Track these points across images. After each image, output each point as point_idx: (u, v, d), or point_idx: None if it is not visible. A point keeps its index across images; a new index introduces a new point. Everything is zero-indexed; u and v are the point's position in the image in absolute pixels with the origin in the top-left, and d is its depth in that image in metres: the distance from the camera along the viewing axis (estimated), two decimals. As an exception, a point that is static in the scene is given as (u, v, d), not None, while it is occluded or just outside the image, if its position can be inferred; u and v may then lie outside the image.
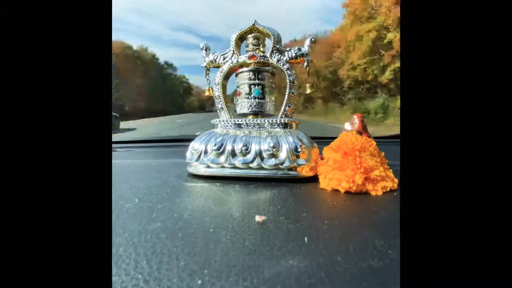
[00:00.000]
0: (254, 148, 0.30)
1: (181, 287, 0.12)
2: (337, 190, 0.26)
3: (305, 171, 0.30)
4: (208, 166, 0.31)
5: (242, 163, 0.30)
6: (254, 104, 0.35)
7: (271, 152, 0.29)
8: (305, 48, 0.34)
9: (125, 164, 0.42)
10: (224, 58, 0.36)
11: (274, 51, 0.34)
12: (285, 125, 0.33)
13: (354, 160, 0.26)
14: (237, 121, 0.34)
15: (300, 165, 0.29)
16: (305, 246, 0.15)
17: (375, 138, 0.32)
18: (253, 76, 0.35)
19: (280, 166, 0.29)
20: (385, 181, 0.26)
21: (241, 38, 0.36)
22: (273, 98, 0.36)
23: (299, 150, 0.29)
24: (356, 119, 0.34)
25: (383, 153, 0.29)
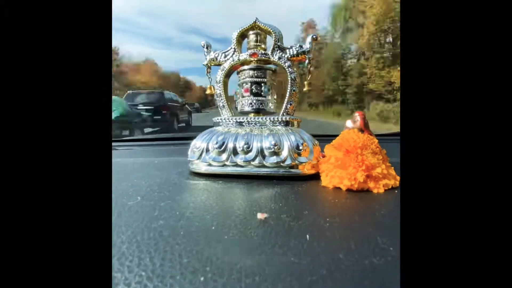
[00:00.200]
0: (255, 146, 0.30)
1: (183, 284, 0.12)
2: (339, 188, 0.26)
3: (306, 169, 0.30)
4: (210, 164, 0.31)
5: (244, 161, 0.30)
6: (256, 102, 0.34)
7: (273, 150, 0.29)
8: (307, 46, 0.33)
9: (126, 163, 0.42)
10: (225, 56, 0.36)
11: (276, 49, 0.34)
12: (287, 123, 0.33)
13: (356, 158, 0.26)
14: (239, 119, 0.34)
15: (302, 163, 0.29)
16: (306, 244, 0.15)
17: (376, 135, 0.32)
18: (255, 74, 0.34)
19: (281, 164, 0.29)
20: (387, 178, 0.26)
21: (242, 35, 0.36)
22: (274, 96, 0.36)
23: (300, 148, 0.29)
24: (357, 116, 0.34)
25: (384, 151, 0.29)
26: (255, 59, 0.34)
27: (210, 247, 0.15)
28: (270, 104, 0.35)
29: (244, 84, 0.35)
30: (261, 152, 0.29)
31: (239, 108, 0.36)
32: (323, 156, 0.30)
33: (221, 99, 0.36)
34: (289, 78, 0.34)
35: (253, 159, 0.29)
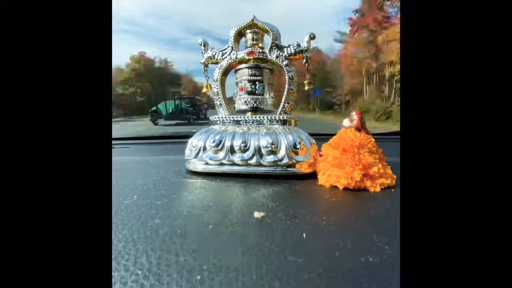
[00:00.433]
0: (253, 144, 0.30)
1: (180, 283, 0.12)
2: (336, 187, 0.26)
3: (303, 168, 0.30)
4: (207, 163, 0.31)
5: (241, 160, 0.30)
6: (253, 100, 0.34)
7: (270, 148, 0.29)
8: (304, 44, 0.33)
9: (123, 161, 0.42)
10: (222, 54, 0.36)
11: (273, 47, 0.34)
12: (284, 122, 0.33)
13: (352, 157, 0.26)
14: (236, 117, 0.34)
15: (299, 161, 0.29)
16: (303, 242, 0.15)
17: (373, 134, 0.32)
18: (252, 73, 0.34)
19: (279, 162, 0.29)
20: (383, 177, 0.26)
21: (240, 34, 0.36)
22: (271, 95, 0.36)
23: (298, 146, 0.29)
24: (354, 115, 0.34)
25: (381, 150, 0.29)
26: (253, 57, 0.34)
27: (207, 246, 0.15)
28: (268, 103, 0.35)
29: (239, 83, 0.35)
30: (258, 151, 0.29)
31: (236, 106, 0.36)
32: (320, 155, 0.30)
33: (219, 98, 0.36)
34: (286, 77, 0.34)
35: (250, 158, 0.29)
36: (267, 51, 0.34)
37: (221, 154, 0.30)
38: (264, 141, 0.30)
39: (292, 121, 0.34)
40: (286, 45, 0.34)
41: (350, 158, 0.26)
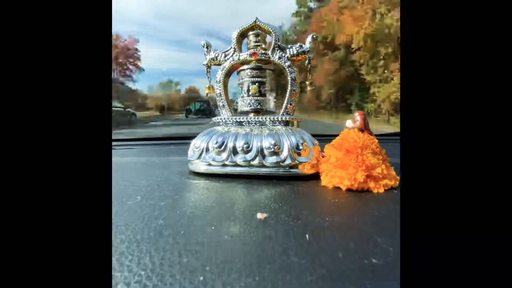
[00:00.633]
0: (255, 145, 0.30)
1: (183, 284, 0.12)
2: (339, 188, 0.26)
3: (306, 169, 0.30)
4: (210, 164, 0.31)
5: (244, 161, 0.30)
6: (255, 101, 0.34)
7: (273, 149, 0.29)
8: (307, 45, 0.33)
9: (126, 162, 0.42)
10: (225, 56, 0.36)
11: (276, 49, 0.34)
12: (287, 123, 0.33)
13: (356, 158, 0.26)
14: (239, 118, 0.34)
15: (302, 162, 0.29)
16: (306, 243, 0.15)
17: (376, 135, 0.32)
18: (254, 74, 0.34)
19: (281, 163, 0.29)
20: (387, 178, 0.26)
21: (242, 35, 0.36)
22: (274, 96, 0.36)
23: (300, 147, 0.29)
24: (358, 116, 0.34)
25: (384, 151, 0.29)
26: (255, 58, 0.34)
27: (210, 247, 0.15)
28: (270, 104, 0.35)
29: (241, 85, 0.35)
30: (261, 152, 0.29)
31: (238, 108, 0.36)
32: (323, 156, 0.30)
33: (221, 99, 0.36)
34: (289, 78, 0.34)
35: (253, 159, 0.29)
36: (269, 52, 0.34)
37: (223, 155, 0.30)
38: (267, 142, 0.30)
39: (295, 122, 0.34)
40: (289, 46, 0.34)
41: (353, 159, 0.26)
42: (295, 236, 0.16)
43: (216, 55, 0.36)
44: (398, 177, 0.27)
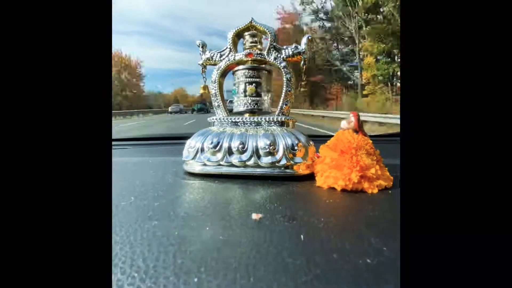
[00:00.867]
0: (251, 146, 0.30)
1: (177, 285, 0.12)
2: (334, 188, 0.26)
3: (301, 169, 0.30)
4: (205, 164, 0.31)
5: (239, 161, 0.30)
6: (251, 102, 0.34)
7: (268, 150, 0.29)
8: (302, 46, 0.34)
9: (120, 162, 0.42)
10: (220, 56, 0.36)
11: (271, 49, 0.34)
12: (282, 123, 0.33)
13: (350, 159, 0.26)
14: (234, 119, 0.34)
15: (297, 163, 0.29)
16: (301, 244, 0.15)
17: (370, 136, 0.32)
18: (249, 74, 0.34)
19: (276, 164, 0.29)
20: (381, 179, 0.26)
21: (238, 35, 0.36)
22: (269, 96, 0.36)
23: (295, 148, 0.29)
24: (352, 117, 0.34)
25: (378, 151, 0.29)
26: (251, 59, 0.34)
27: (205, 248, 0.15)
28: (266, 104, 0.35)
29: (237, 85, 0.35)
30: (256, 152, 0.29)
31: (234, 108, 0.36)
32: (318, 157, 0.30)
33: (216, 99, 0.36)
34: (284, 79, 0.34)
35: (248, 159, 0.29)
36: (265, 52, 0.34)
37: (219, 155, 0.30)
38: (262, 143, 0.30)
39: (290, 123, 0.34)
40: (284, 47, 0.34)
41: (347, 159, 0.26)
42: (290, 236, 0.16)
43: (212, 55, 0.36)
44: (392, 178, 0.27)
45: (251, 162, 0.29)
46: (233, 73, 0.36)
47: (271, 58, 0.34)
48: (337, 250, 0.15)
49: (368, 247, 0.15)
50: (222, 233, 0.17)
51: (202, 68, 0.37)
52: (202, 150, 0.31)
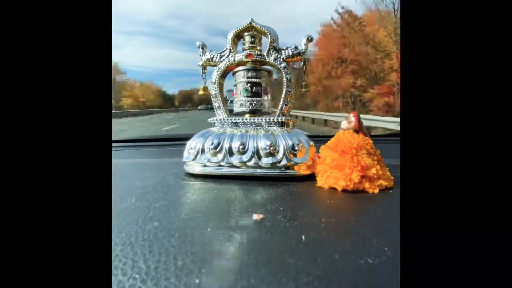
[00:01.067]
0: (251, 146, 0.30)
1: (178, 287, 0.12)
2: (334, 188, 0.26)
3: (302, 170, 0.30)
4: (205, 165, 0.31)
5: (239, 162, 0.30)
6: (251, 102, 0.34)
7: (268, 150, 0.29)
8: (302, 47, 0.34)
9: (121, 163, 0.42)
10: (221, 57, 0.36)
11: (271, 50, 0.34)
12: (282, 124, 0.33)
13: (351, 159, 0.26)
14: (234, 119, 0.34)
15: (297, 163, 0.29)
16: (302, 244, 0.15)
17: (371, 136, 0.32)
18: (250, 75, 0.34)
19: (277, 164, 0.29)
20: (381, 179, 0.26)
21: (238, 36, 0.36)
22: (269, 97, 0.36)
23: (296, 148, 0.29)
24: (352, 117, 0.34)
25: (379, 151, 0.29)
26: (251, 60, 0.34)
27: (205, 249, 0.15)
28: (266, 105, 0.35)
29: (237, 86, 0.35)
30: (256, 153, 0.29)
31: (234, 109, 0.36)
32: (319, 157, 0.30)
33: (217, 100, 0.36)
34: (284, 79, 0.34)
35: (249, 160, 0.29)
36: (265, 53, 0.34)
37: (219, 156, 0.30)
38: (263, 143, 0.30)
39: (290, 123, 0.34)
40: (284, 48, 0.34)
41: (348, 159, 0.26)
42: (291, 237, 0.16)
43: (212, 56, 0.36)
44: (393, 178, 0.27)
45: (251, 163, 0.29)
46: (233, 74, 0.36)
47: (271, 59, 0.34)
48: (339, 250, 0.15)
49: (370, 248, 0.15)
50: (223, 234, 0.17)
51: (202, 69, 0.37)
52: (203, 151, 0.31)
